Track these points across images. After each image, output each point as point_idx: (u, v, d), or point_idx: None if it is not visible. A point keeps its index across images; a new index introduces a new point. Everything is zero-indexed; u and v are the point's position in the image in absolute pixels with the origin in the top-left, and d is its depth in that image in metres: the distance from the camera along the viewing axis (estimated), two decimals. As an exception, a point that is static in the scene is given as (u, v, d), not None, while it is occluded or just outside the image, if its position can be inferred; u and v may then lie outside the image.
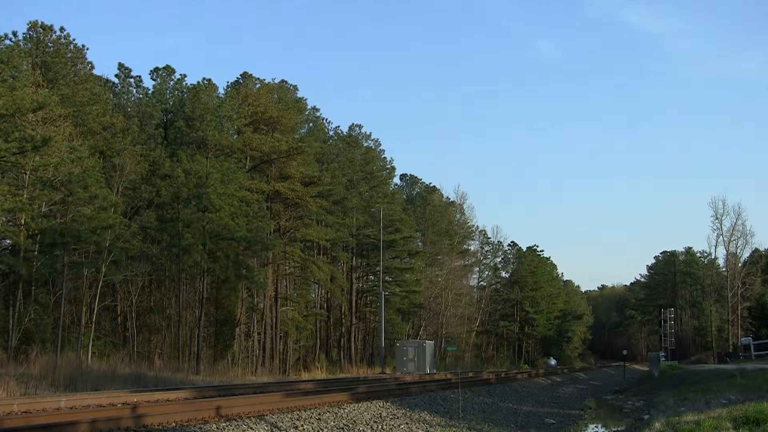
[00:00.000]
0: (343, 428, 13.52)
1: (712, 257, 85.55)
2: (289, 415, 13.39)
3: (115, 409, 12.96)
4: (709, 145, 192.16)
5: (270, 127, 42.60)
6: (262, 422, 12.25)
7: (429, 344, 45.11)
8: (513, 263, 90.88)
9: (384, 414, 15.77)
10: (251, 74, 47.08)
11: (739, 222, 72.44)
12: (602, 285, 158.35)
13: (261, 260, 40.00)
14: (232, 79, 48.33)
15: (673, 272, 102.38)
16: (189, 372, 30.25)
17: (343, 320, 54.99)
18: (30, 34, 33.01)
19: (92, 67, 36.89)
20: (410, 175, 76.44)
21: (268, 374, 36.56)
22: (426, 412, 17.43)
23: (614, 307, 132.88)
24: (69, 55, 34.55)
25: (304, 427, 12.79)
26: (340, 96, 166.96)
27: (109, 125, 34.13)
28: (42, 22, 33.32)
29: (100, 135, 33.44)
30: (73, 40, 35.04)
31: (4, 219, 25.46)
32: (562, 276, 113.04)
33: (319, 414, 14.08)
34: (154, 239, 36.29)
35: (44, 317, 30.44)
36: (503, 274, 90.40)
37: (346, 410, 15.07)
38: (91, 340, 30.32)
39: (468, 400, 21.52)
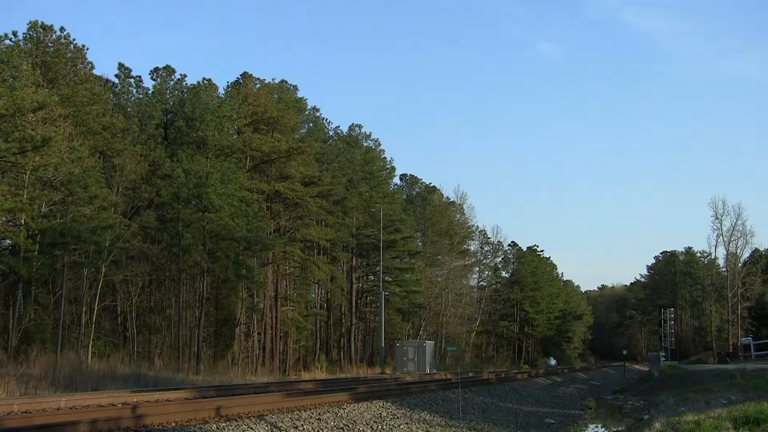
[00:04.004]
0: (343, 428, 13.52)
1: (712, 257, 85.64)
2: (289, 415, 13.39)
3: (115, 409, 12.96)
4: (709, 145, 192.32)
5: (270, 127, 42.59)
6: (262, 422, 12.26)
7: (429, 344, 45.09)
8: (513, 263, 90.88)
9: (384, 414, 15.77)
10: (251, 74, 47.18)
11: (739, 222, 72.53)
12: (602, 285, 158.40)
13: (261, 260, 39.99)
14: (232, 79, 48.42)
15: (673, 272, 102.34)
16: (189, 372, 30.26)
17: (343, 320, 54.98)
18: (30, 34, 32.99)
19: (92, 67, 36.93)
20: (410, 175, 76.46)
21: (268, 374, 36.56)
22: (426, 412, 17.43)
23: (614, 307, 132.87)
24: (69, 55, 34.53)
25: (304, 427, 12.79)
26: (340, 96, 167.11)
27: (109, 125, 34.12)
28: (42, 22, 33.31)
29: (100, 135, 33.43)
30: (73, 40, 35.06)
31: (4, 219, 25.45)
32: (562, 276, 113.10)
33: (319, 414, 14.08)
34: (154, 239, 36.28)
35: (44, 317, 30.43)
36: (503, 274, 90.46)
37: (346, 410, 15.07)
38: (91, 340, 30.32)
39: (468, 400, 21.52)
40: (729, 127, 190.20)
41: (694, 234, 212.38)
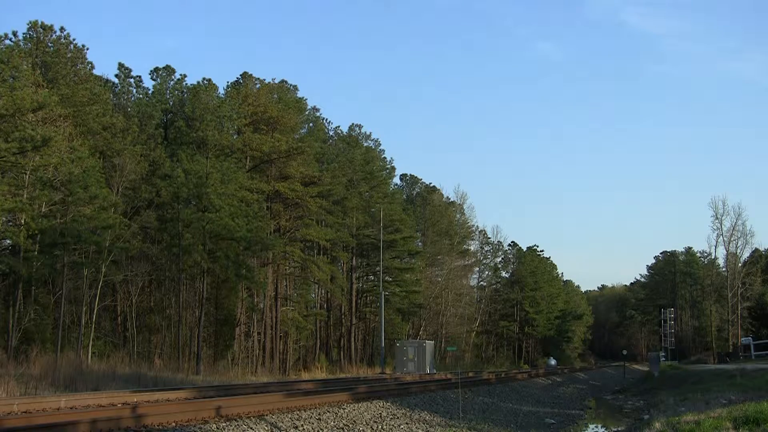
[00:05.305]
0: (343, 428, 13.52)
1: (712, 257, 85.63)
2: (289, 415, 13.38)
3: (115, 409, 12.95)
4: (709, 145, 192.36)
5: (270, 127, 42.58)
6: (262, 422, 12.26)
7: (429, 344, 45.08)
8: (513, 263, 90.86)
9: (384, 414, 15.77)
10: (251, 74, 47.12)
11: (739, 222, 72.50)
12: (602, 285, 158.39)
13: (261, 260, 39.98)
14: (232, 79, 48.39)
15: (673, 272, 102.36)
16: (189, 372, 30.25)
17: (343, 320, 54.98)
18: (30, 34, 33.01)
19: (92, 67, 36.97)
20: (410, 175, 76.48)
21: (268, 374, 36.56)
22: (426, 412, 17.43)
23: (614, 307, 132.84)
24: (69, 55, 34.54)
25: (304, 427, 12.80)
26: (340, 96, 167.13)
27: (109, 125, 34.11)
28: (42, 22, 33.34)
29: (100, 135, 33.43)
30: (73, 40, 35.11)
31: (4, 219, 25.46)
32: (562, 276, 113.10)
33: (319, 414, 14.08)
34: (154, 239, 36.27)
35: (44, 317, 30.42)
36: (503, 274, 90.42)
37: (346, 410, 15.07)
38: (91, 340, 30.32)
39: (468, 400, 21.52)
40: (729, 127, 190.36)
41: (694, 234, 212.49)
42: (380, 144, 63.39)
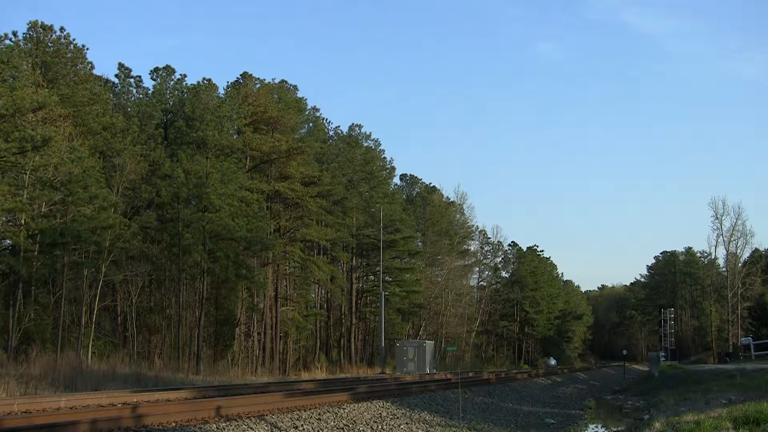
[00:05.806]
0: (343, 428, 13.52)
1: (712, 257, 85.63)
2: (289, 415, 13.39)
3: (115, 409, 12.96)
4: (709, 144, 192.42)
5: (270, 127, 42.58)
6: (262, 422, 12.26)
7: (429, 344, 45.07)
8: (513, 263, 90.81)
9: (384, 414, 15.77)
10: (251, 74, 47.14)
11: (739, 222, 72.59)
12: (602, 285, 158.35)
13: (261, 260, 39.98)
14: (232, 79, 48.39)
15: (673, 272, 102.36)
16: (189, 372, 30.24)
17: (343, 320, 54.96)
18: (30, 34, 33.00)
19: (92, 67, 36.97)
20: (410, 175, 76.53)
21: (268, 374, 36.55)
22: (426, 412, 17.43)
23: (614, 307, 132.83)
24: (69, 55, 34.54)
25: (304, 427, 12.80)
26: (340, 96, 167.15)
27: (109, 125, 34.10)
28: (42, 22, 33.33)
29: (100, 135, 33.42)
30: (73, 40, 35.09)
31: (4, 219, 25.44)
32: (562, 276, 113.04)
33: (320, 414, 14.09)
34: (154, 239, 36.26)
35: (44, 317, 30.41)
36: (503, 274, 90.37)
37: (346, 410, 15.07)
38: (91, 340, 30.32)
39: (468, 400, 21.52)
40: (729, 127, 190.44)
41: (694, 234, 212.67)
42: (380, 144, 63.48)
